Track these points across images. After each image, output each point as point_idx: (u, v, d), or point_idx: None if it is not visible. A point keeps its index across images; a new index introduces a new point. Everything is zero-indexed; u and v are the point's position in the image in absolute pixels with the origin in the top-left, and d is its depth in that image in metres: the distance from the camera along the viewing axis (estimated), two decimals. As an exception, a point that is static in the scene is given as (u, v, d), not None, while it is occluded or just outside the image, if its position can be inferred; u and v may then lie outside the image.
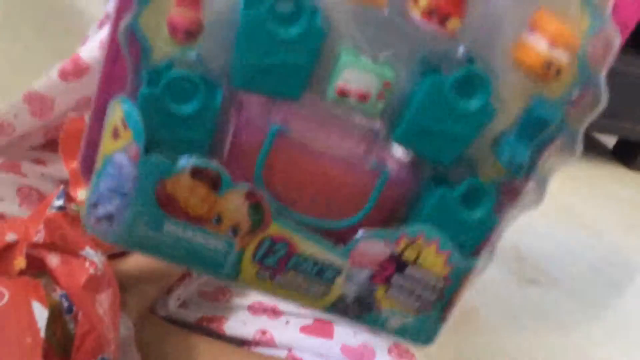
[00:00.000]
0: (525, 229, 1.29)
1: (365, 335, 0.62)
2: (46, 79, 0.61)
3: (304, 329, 0.64)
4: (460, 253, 0.41)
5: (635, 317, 1.16)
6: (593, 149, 1.95)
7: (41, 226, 0.52)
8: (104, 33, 0.59)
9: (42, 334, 0.45)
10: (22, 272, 0.51)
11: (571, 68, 0.37)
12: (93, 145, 0.39)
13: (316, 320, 0.65)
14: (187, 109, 0.36)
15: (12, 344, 0.44)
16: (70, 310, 0.50)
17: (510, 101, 0.38)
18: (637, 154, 1.88)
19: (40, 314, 0.46)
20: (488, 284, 1.06)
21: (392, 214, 0.41)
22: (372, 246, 0.40)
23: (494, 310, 1.00)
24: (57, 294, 0.50)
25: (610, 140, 1.98)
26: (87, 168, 0.41)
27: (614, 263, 1.33)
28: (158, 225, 0.39)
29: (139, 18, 0.34)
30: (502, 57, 0.37)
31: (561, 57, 0.36)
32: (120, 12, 0.36)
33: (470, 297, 0.98)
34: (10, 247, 0.52)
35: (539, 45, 0.36)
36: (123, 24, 0.34)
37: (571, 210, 1.44)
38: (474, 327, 0.94)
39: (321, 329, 0.63)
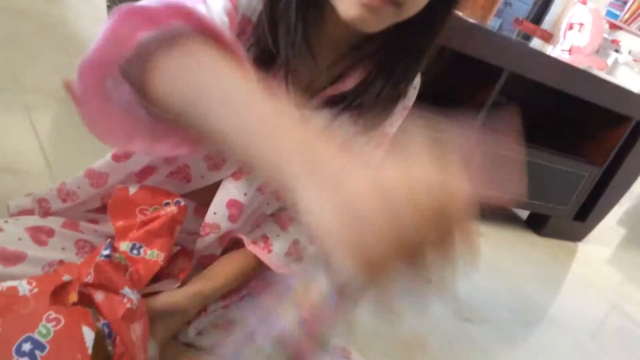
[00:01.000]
0: (464, 281, 1.29)
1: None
2: (102, 160, 0.63)
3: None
4: None
5: (545, 347, 1.16)
6: (512, 220, 1.97)
7: (91, 270, 0.52)
8: None
9: (90, 351, 0.45)
10: (74, 305, 0.50)
11: None
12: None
13: (301, 347, 0.64)
14: None
15: (66, 359, 0.44)
16: (110, 335, 0.49)
17: None
18: (544, 224, 1.91)
19: (89, 335, 0.46)
20: (434, 321, 1.06)
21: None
22: None
23: (438, 340, 0.99)
24: (100, 323, 0.50)
25: (524, 214, 2.02)
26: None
27: (528, 306, 1.33)
28: None
29: None
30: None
31: None
32: None
33: (421, 330, 0.98)
34: (65, 285, 0.52)
35: None
36: None
37: (496, 266, 1.45)
38: (423, 352, 0.93)
39: (306, 353, 0.63)
